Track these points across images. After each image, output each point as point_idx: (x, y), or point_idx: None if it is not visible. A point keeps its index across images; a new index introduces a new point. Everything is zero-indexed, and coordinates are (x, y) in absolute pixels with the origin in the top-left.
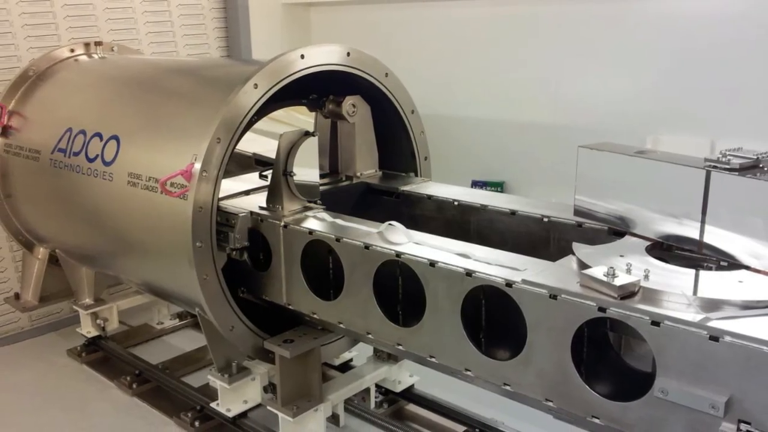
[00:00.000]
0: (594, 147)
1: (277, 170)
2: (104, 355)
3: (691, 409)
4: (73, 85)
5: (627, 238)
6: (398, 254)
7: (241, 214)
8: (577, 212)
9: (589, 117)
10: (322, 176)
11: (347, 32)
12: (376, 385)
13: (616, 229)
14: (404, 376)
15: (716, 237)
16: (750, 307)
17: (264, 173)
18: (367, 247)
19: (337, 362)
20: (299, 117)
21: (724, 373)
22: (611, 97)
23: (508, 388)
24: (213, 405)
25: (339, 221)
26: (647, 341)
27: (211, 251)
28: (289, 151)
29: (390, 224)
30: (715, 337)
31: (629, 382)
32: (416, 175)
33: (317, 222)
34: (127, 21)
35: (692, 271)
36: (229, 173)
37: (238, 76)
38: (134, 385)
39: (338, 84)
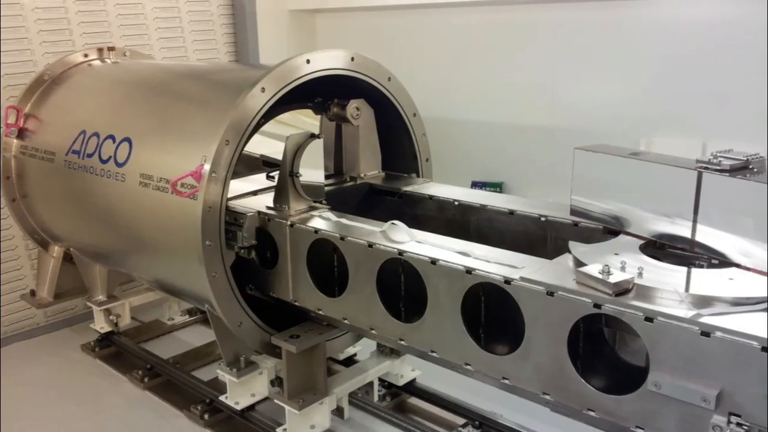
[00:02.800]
0: (589, 149)
1: (283, 171)
2: (117, 350)
3: (684, 402)
4: (86, 88)
5: (621, 236)
6: (401, 252)
7: (249, 214)
8: (573, 212)
9: (584, 120)
10: (327, 177)
11: (351, 38)
12: (380, 379)
13: (610, 228)
14: (406, 370)
15: (708, 236)
16: (740, 303)
17: (271, 174)
18: (370, 245)
19: (341, 357)
20: (305, 120)
21: (715, 367)
22: (606, 101)
23: (506, 381)
24: (222, 398)
25: (343, 220)
26: (641, 336)
27: (220, 249)
28: (296, 152)
29: (393, 223)
30: (706, 332)
31: (624, 376)
32: (418, 176)
33: (322, 221)
34: (138, 27)
35: (684, 269)
36: (237, 174)
37: (246, 81)
38: (146, 379)
39: (343, 88)
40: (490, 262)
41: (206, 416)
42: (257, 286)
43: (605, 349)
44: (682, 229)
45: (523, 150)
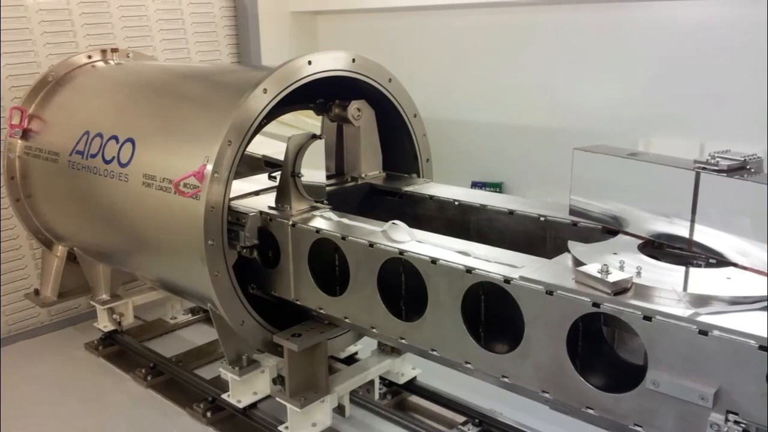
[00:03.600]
0: (588, 149)
1: (285, 171)
2: (120, 349)
3: (682, 400)
4: (90, 90)
5: (620, 236)
6: (401, 252)
7: (251, 214)
8: (572, 212)
9: (583, 121)
10: (328, 177)
11: (352, 39)
12: (380, 378)
13: (609, 228)
14: (407, 368)
15: (705, 235)
16: (737, 302)
17: (273, 174)
18: (371, 245)
19: (342, 355)
20: (307, 120)
21: (713, 365)
22: (605, 102)
23: (506, 380)
24: (224, 396)
25: (345, 220)
26: (639, 335)
27: (223, 249)
28: (297, 153)
29: (393, 223)
30: (704, 331)
31: (622, 374)
32: (418, 176)
33: (324, 221)
34: (142, 28)
35: (682, 268)
36: (239, 174)
37: (248, 82)
38: (149, 378)
39: (344, 89)
40: (490, 261)
41: (209, 414)
42: (259, 285)
43: (604, 347)
44: (680, 229)
45: (522, 150)
